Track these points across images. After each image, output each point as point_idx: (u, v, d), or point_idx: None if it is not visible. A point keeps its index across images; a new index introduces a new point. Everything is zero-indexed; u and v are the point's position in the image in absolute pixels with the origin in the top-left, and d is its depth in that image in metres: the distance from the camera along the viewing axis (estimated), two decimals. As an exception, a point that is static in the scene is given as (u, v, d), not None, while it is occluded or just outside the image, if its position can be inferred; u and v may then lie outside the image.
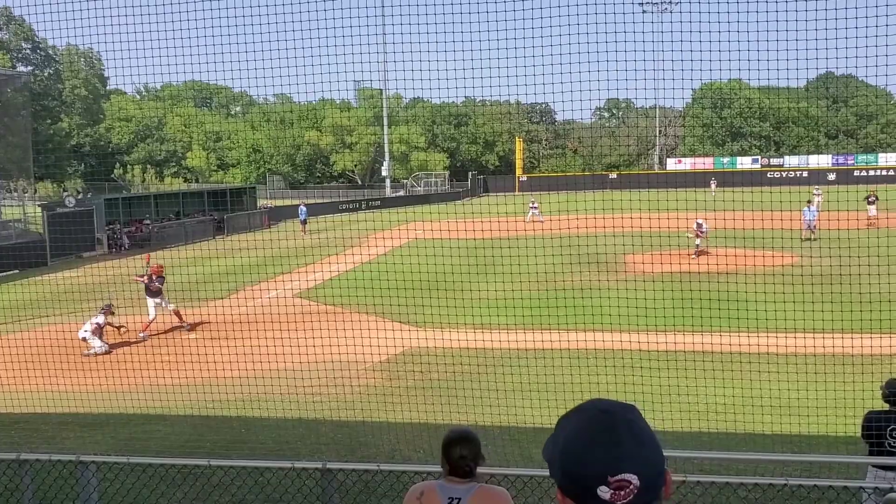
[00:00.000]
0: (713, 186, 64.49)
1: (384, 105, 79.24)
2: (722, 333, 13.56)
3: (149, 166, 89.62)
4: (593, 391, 11.34)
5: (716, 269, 22.60)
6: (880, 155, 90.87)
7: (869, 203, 36.17)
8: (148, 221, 42.06)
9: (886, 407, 7.30)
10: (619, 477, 1.67)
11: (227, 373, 13.46)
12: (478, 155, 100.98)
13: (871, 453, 7.13)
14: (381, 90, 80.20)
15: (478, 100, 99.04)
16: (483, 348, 14.72)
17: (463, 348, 14.45)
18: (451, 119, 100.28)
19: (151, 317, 18.63)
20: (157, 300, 18.72)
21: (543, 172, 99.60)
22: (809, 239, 30.26)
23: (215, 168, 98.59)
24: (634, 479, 1.67)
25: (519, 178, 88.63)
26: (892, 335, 13.45)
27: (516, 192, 76.39)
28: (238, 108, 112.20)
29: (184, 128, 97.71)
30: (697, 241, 27.46)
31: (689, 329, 14.47)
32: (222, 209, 47.47)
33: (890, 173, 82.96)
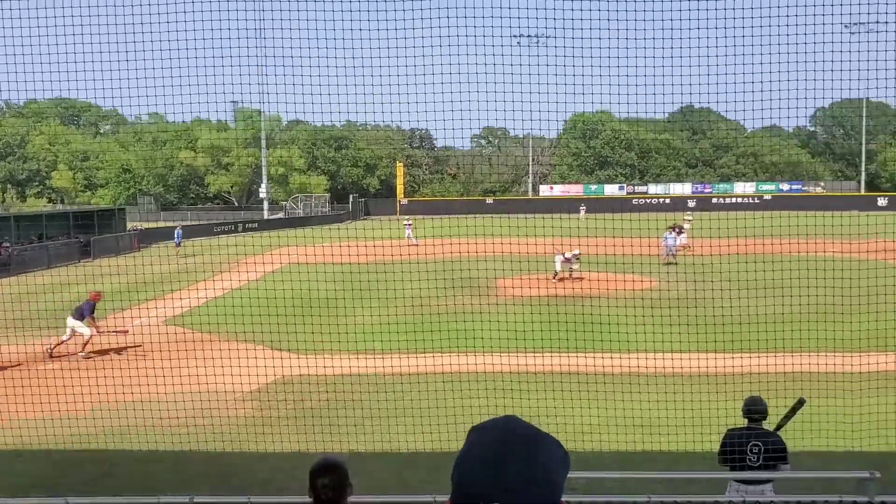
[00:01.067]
0: (582, 213, 67.05)
1: (262, 126, 77.93)
2: (588, 355, 14.09)
3: (9, 186, 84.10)
4: (468, 415, 11.53)
5: (581, 293, 23.50)
6: (736, 184, 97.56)
7: (678, 233, 36.91)
8: (7, 244, 39.40)
9: (746, 423, 7.72)
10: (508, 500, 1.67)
11: (90, 405, 12.78)
12: (359, 178, 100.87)
13: (732, 469, 7.47)
14: (259, 111, 78.89)
15: (359, 123, 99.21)
16: (358, 374, 14.69)
17: (338, 375, 14.37)
18: (331, 142, 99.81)
19: (87, 335, 18.16)
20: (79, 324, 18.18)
21: (424, 196, 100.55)
22: (669, 263, 32.01)
23: (82, 188, 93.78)
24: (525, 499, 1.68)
25: (400, 201, 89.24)
26: (745, 355, 14.37)
27: (398, 216, 76.78)
28: (108, 127, 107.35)
29: (49, 146, 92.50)
30: (560, 268, 28.19)
31: (559, 351, 14.98)
32: (89, 231, 45.26)
33: (744, 201, 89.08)
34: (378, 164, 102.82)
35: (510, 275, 24.39)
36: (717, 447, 7.78)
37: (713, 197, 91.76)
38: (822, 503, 5.37)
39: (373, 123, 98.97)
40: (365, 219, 78.68)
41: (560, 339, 14.43)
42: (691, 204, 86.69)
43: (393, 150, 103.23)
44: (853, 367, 13.62)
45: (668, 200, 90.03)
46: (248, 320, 16.21)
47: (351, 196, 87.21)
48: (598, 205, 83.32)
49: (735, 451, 7.36)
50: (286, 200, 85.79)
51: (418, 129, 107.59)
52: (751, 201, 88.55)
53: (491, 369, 13.98)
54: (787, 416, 7.80)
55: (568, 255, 27.62)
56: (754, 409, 7.59)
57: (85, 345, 18.10)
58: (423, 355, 14.40)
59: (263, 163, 78.87)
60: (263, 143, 77.63)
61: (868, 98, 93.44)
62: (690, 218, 44.28)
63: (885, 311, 17.48)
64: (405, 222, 47.42)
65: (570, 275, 28.13)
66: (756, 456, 7.26)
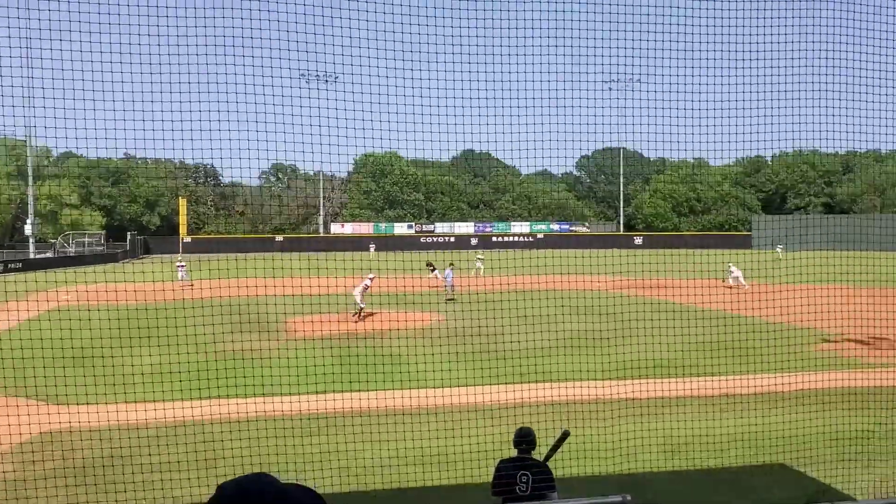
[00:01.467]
0: (372, 250, 68.13)
1: (29, 158, 71.22)
2: (378, 393, 14.34)
3: None
4: (255, 463, 11.31)
5: (372, 330, 23.85)
6: (513, 224, 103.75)
7: (431, 270, 38.73)
8: None
9: (516, 453, 8.04)
10: None
11: None
12: (138, 214, 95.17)
13: (505, 501, 7.70)
14: (25, 142, 72.05)
15: (139, 157, 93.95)
16: (136, 426, 13.84)
17: (113, 427, 13.44)
18: (108, 175, 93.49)
19: None
20: None
21: (210, 234, 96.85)
22: (450, 300, 33.22)
23: None
24: None
25: (183, 239, 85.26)
26: (520, 386, 15.30)
27: (181, 253, 73.24)
28: None
29: None
30: (362, 305, 28.29)
31: (349, 389, 15.10)
32: None
33: (520, 239, 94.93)
34: (159, 201, 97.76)
35: (301, 314, 24.15)
36: (489, 478, 8.14)
37: (493, 236, 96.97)
38: None
39: (154, 157, 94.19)
40: (143, 258, 74.20)
41: (351, 378, 14.56)
42: (474, 242, 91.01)
43: (176, 185, 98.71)
44: (611, 394, 14.99)
45: (453, 239, 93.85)
46: (3, 372, 14.74)
47: (129, 233, 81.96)
48: (389, 243, 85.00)
49: (504, 481, 7.61)
50: (56, 238, 78.86)
51: (203, 164, 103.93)
52: (526, 240, 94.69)
53: (280, 412, 13.79)
54: (554, 448, 8.28)
55: (367, 282, 27.85)
56: (521, 440, 7.94)
57: None
58: (206, 401, 13.89)
59: (30, 196, 71.96)
60: (30, 176, 70.88)
61: (624, 147, 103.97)
62: (482, 256, 46.71)
63: (638, 341, 19.41)
64: (177, 263, 45.43)
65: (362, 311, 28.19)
66: (525, 485, 7.53)
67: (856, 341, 21.07)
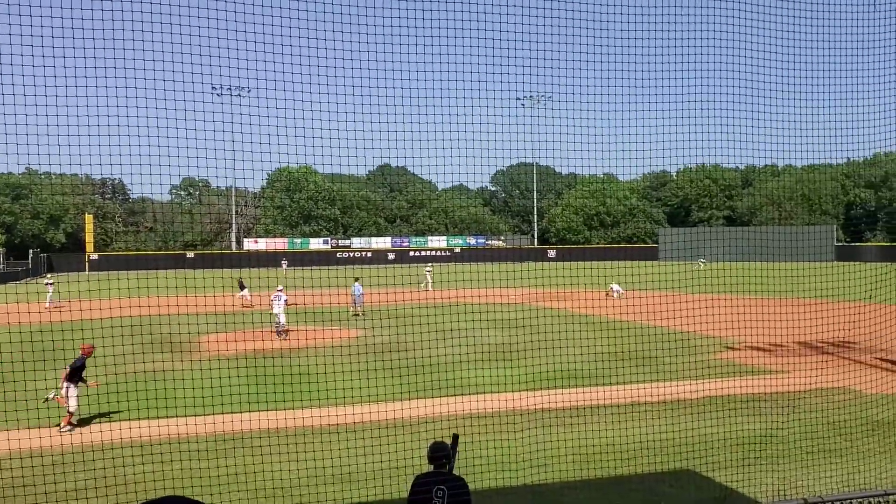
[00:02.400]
0: (284, 266, 67.22)
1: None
2: (292, 412, 14.13)
3: None
4: (163, 486, 10.97)
5: (287, 347, 23.51)
6: (430, 238, 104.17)
7: (241, 288, 38.36)
8: None
9: (432, 468, 7.98)
10: None
11: None
12: (41, 231, 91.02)
13: None
14: None
15: (41, 171, 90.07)
16: (37, 453, 13.20)
17: (6, 455, 12.79)
18: (8, 190, 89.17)
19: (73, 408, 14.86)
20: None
21: (118, 251, 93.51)
22: (356, 315, 33.13)
23: None
24: None
25: (89, 256, 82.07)
26: (438, 400, 15.37)
27: (86, 272, 70.46)
28: None
29: None
30: (282, 318, 27.80)
31: (262, 408, 14.82)
32: None
33: (438, 254, 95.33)
34: (64, 216, 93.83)
35: (214, 331, 23.61)
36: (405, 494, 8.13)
37: (410, 250, 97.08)
38: None
39: (58, 171, 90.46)
40: (44, 276, 70.96)
41: (267, 395, 14.31)
42: (391, 257, 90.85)
43: (82, 200, 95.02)
44: (524, 405, 15.23)
45: (370, 254, 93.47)
46: None
47: (31, 251, 78.26)
48: (304, 258, 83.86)
49: (420, 496, 7.57)
50: (-56, 257, 74.66)
51: (110, 179, 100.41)
52: (443, 254, 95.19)
53: (188, 433, 13.42)
54: (452, 455, 8.33)
55: (283, 296, 27.45)
56: (436, 455, 7.89)
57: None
58: (109, 425, 13.40)
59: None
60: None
61: (537, 162, 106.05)
62: (430, 269, 46.78)
63: (550, 352, 19.78)
64: (45, 282, 43.16)
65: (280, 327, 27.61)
66: (441, 500, 7.50)
67: (756, 349, 22.08)
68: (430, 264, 50.04)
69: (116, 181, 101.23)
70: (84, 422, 15.21)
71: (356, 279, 34.50)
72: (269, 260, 77.93)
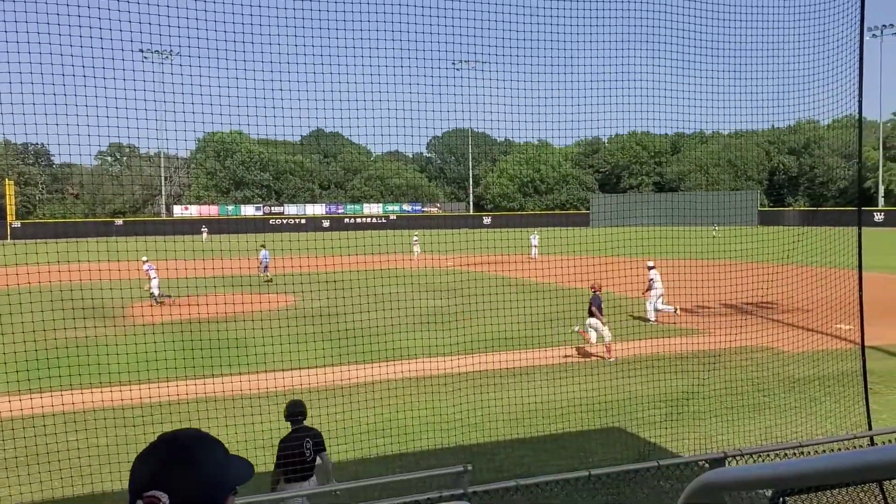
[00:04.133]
0: (204, 234, 66.12)
1: None
2: (225, 378, 14.00)
3: None
4: (92, 454, 10.75)
5: (216, 313, 23.15)
6: (365, 205, 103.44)
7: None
8: None
9: (290, 427, 8.57)
10: (149, 493, 1.88)
11: None
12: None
13: (293, 471, 8.07)
14: None
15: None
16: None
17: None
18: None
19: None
20: None
21: (42, 218, 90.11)
22: (269, 281, 33.08)
23: None
24: (164, 497, 1.88)
25: (11, 224, 78.95)
26: (374, 364, 15.39)
27: (8, 240, 67.78)
28: None
29: None
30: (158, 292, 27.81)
31: (194, 375, 14.61)
32: None
33: (373, 220, 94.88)
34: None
35: (145, 299, 23.08)
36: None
37: (345, 217, 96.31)
38: (424, 501, 5.88)
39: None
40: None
41: (203, 362, 14.11)
42: (326, 224, 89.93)
43: (1, 166, 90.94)
44: (457, 367, 15.42)
45: (304, 221, 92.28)
46: None
47: (-57, 218, 74.93)
48: (236, 225, 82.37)
49: (292, 451, 8.15)
50: None
51: (32, 144, 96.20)
52: (378, 221, 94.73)
53: (121, 403, 13.16)
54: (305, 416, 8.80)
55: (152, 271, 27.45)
56: (296, 411, 8.63)
57: None
58: (36, 394, 13.03)
59: None
60: None
61: (472, 129, 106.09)
62: (417, 238, 46.02)
63: (483, 316, 20.02)
64: None
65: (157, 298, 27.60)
66: (309, 450, 8.24)
67: (682, 310, 22.79)
68: (415, 233, 49.10)
69: (39, 146, 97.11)
70: (4, 390, 14.74)
71: (262, 245, 34.45)
72: (199, 227, 76.20)
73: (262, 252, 34.30)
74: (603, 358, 17.75)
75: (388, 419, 12.86)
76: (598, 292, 18.49)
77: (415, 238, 47.38)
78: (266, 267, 34.15)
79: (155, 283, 27.56)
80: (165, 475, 1.91)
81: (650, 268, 23.07)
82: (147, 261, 28.04)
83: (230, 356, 15.38)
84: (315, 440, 8.35)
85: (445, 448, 11.54)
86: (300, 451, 8.15)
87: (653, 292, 22.89)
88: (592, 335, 18.24)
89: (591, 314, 18.30)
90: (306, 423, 8.71)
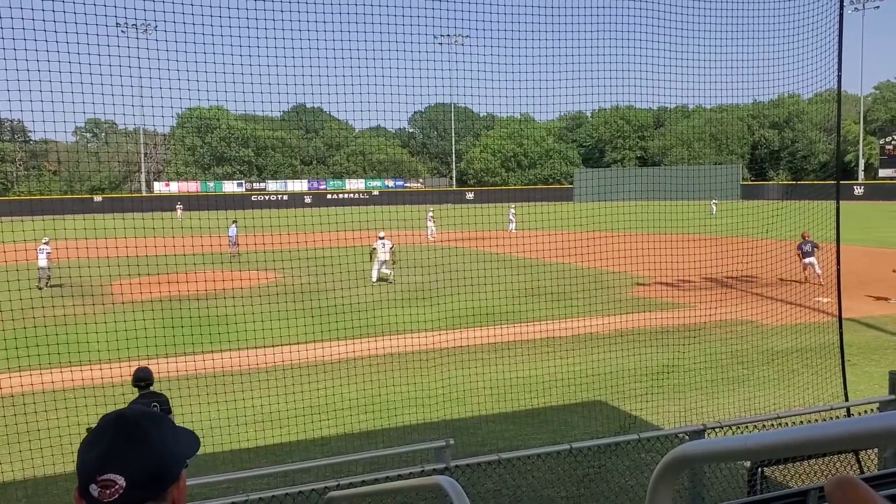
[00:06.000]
0: (179, 212, 65.56)
1: None
2: (209, 355, 13.96)
3: None
4: (74, 432, 10.70)
5: (197, 290, 23.03)
6: (347, 181, 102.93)
7: None
8: None
9: (138, 392, 8.89)
10: (104, 476, 1.77)
11: None
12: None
13: None
14: None
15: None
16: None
17: None
18: None
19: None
20: None
21: (20, 195, 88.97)
22: (236, 257, 33.10)
23: None
24: (120, 479, 1.77)
25: (-11, 201, 78.02)
26: (357, 340, 15.40)
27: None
28: None
29: None
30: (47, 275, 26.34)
31: (177, 353, 14.56)
32: None
33: (356, 196, 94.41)
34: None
35: (126, 277, 22.85)
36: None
37: (328, 193, 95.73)
38: (406, 475, 5.93)
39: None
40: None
41: (185, 339, 14.05)
42: (308, 200, 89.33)
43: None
44: (440, 343, 15.45)
45: (286, 197, 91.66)
46: None
47: (-81, 197, 73.81)
48: (216, 202, 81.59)
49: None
50: None
51: (9, 120, 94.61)
52: (361, 196, 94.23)
53: (101, 380, 13.09)
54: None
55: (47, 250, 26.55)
56: (142, 376, 8.98)
57: None
58: (19, 372, 12.95)
59: None
60: None
61: (455, 104, 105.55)
62: (432, 213, 44.64)
63: (466, 291, 20.05)
64: None
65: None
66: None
67: (665, 284, 22.94)
68: (430, 209, 46.84)
69: (16, 122, 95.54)
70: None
71: (234, 221, 34.22)
72: (172, 205, 75.34)
73: (231, 228, 33.97)
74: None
75: (372, 395, 12.91)
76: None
77: (430, 213, 44.05)
78: (236, 243, 33.74)
79: (44, 263, 25.91)
80: (117, 456, 1.81)
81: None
82: (48, 241, 26.23)
83: (212, 333, 15.34)
84: (162, 406, 8.71)
85: (428, 423, 11.60)
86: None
87: None
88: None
89: (805, 255, 22.77)
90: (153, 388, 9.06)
